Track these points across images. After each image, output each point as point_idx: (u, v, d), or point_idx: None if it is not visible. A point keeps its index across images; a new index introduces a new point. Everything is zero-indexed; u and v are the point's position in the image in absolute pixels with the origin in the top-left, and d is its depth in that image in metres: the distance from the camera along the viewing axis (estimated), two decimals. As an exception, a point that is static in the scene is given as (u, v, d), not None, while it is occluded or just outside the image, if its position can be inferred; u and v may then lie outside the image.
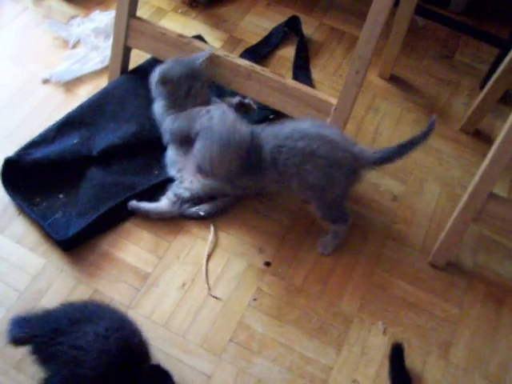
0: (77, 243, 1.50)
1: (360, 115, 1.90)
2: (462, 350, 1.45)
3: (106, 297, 1.44)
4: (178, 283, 1.48)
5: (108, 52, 1.86)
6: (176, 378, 1.26)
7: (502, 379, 1.41)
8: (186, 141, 1.55)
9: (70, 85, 1.87)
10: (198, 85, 1.60)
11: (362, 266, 1.56)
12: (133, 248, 1.53)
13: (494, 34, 2.21)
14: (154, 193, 1.59)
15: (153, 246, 1.54)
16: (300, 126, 1.46)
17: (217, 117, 1.48)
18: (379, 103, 1.95)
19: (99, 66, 1.91)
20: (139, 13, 1.77)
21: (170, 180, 1.60)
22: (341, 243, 1.57)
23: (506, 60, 1.65)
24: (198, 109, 1.55)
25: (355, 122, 1.86)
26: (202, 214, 1.58)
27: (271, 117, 1.79)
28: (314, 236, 1.59)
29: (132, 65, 1.86)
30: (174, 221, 1.58)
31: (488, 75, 1.91)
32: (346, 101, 1.52)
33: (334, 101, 1.55)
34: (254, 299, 1.48)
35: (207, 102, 1.61)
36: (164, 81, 1.58)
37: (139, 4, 1.76)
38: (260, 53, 2.02)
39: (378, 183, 1.73)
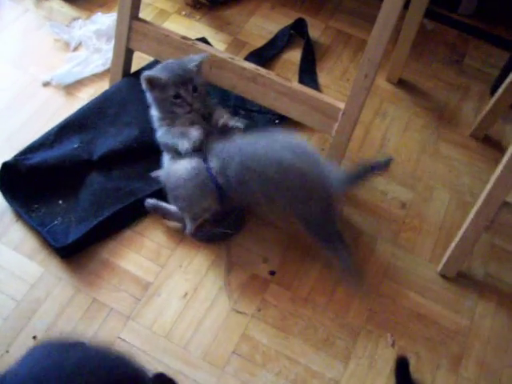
0: (76, 251, 1.47)
1: (367, 120, 1.85)
2: (473, 363, 1.40)
3: (106, 306, 1.40)
4: (179, 293, 1.44)
5: (110, 54, 1.82)
6: (177, 391, 1.21)
7: (515, 394, 1.37)
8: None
9: (71, 88, 1.84)
10: (188, 89, 1.49)
11: (369, 276, 1.52)
12: (134, 256, 1.49)
13: (504, 38, 2.17)
14: (157, 198, 1.54)
15: (154, 255, 1.50)
16: (266, 147, 1.41)
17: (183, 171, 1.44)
18: (387, 108, 1.91)
19: (101, 69, 1.88)
20: (142, 15, 1.73)
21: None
22: (359, 271, 1.50)
23: (518, 64, 1.61)
24: (185, 129, 1.49)
25: (362, 127, 1.82)
26: (229, 232, 1.53)
27: (276, 121, 1.76)
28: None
29: (134, 67, 1.83)
30: (175, 229, 1.54)
31: (498, 80, 1.87)
32: (354, 105, 1.47)
33: (341, 105, 1.51)
34: (258, 310, 1.43)
35: (206, 109, 1.53)
36: (149, 84, 1.49)
37: (142, 6, 1.72)
38: (265, 56, 1.98)
39: (386, 190, 1.69)
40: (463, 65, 2.08)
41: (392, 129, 1.85)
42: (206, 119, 1.52)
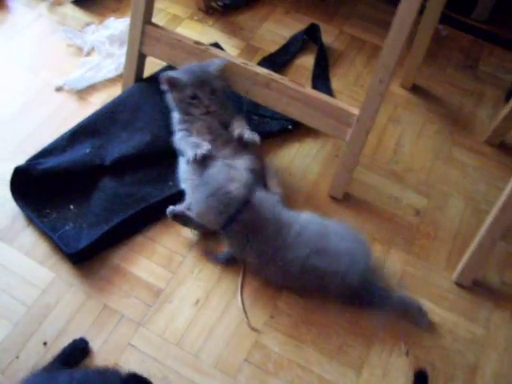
0: (87, 256, 1.46)
1: (381, 126, 1.83)
2: (488, 373, 1.38)
3: (117, 313, 1.39)
4: (191, 300, 1.43)
5: (122, 59, 1.82)
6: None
7: (532, 406, 1.34)
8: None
9: (84, 93, 1.84)
10: (205, 90, 1.53)
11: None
12: (145, 262, 1.48)
13: (518, 43, 2.15)
14: (169, 204, 1.53)
15: (166, 261, 1.49)
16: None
17: (211, 171, 1.43)
18: (401, 114, 1.89)
19: (113, 74, 1.88)
20: (154, 20, 1.73)
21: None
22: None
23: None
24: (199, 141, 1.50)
25: (376, 133, 1.80)
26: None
27: (290, 127, 1.74)
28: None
29: (147, 72, 1.82)
30: (187, 235, 1.53)
31: (513, 86, 1.86)
32: (368, 111, 1.46)
33: (355, 111, 1.50)
34: (271, 317, 1.42)
35: (225, 116, 1.55)
36: (168, 83, 1.53)
37: (154, 11, 1.72)
38: (278, 61, 1.97)
39: (400, 197, 1.67)
40: (477, 70, 2.06)
41: (406, 135, 1.83)
42: (225, 127, 1.54)
